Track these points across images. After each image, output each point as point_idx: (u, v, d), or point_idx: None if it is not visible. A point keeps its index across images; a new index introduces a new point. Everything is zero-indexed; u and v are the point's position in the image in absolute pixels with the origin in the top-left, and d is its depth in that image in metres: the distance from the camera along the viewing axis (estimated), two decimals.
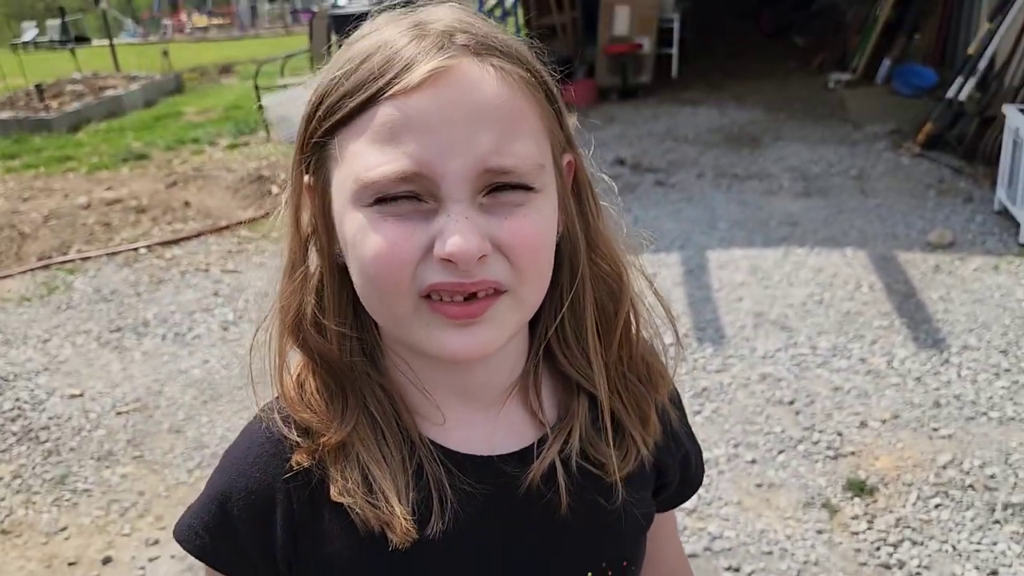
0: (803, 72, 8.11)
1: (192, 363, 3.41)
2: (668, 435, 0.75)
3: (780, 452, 2.65)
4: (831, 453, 2.64)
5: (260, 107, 7.17)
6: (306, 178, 0.63)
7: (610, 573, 0.70)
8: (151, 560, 2.37)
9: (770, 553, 2.28)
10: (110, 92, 9.46)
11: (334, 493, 0.62)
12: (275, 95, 7.24)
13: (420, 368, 0.65)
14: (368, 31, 0.62)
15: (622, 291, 0.69)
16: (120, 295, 4.10)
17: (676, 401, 0.78)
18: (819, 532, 2.34)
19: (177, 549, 2.39)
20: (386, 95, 0.56)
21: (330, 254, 0.64)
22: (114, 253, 4.61)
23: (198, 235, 4.79)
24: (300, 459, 0.64)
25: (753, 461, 2.60)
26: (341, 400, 0.64)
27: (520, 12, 8.01)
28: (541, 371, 0.69)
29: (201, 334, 3.65)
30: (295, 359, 0.67)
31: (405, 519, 0.61)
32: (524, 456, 0.67)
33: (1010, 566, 2.17)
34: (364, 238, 0.58)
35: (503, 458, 0.67)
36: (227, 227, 4.89)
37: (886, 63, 7.22)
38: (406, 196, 0.57)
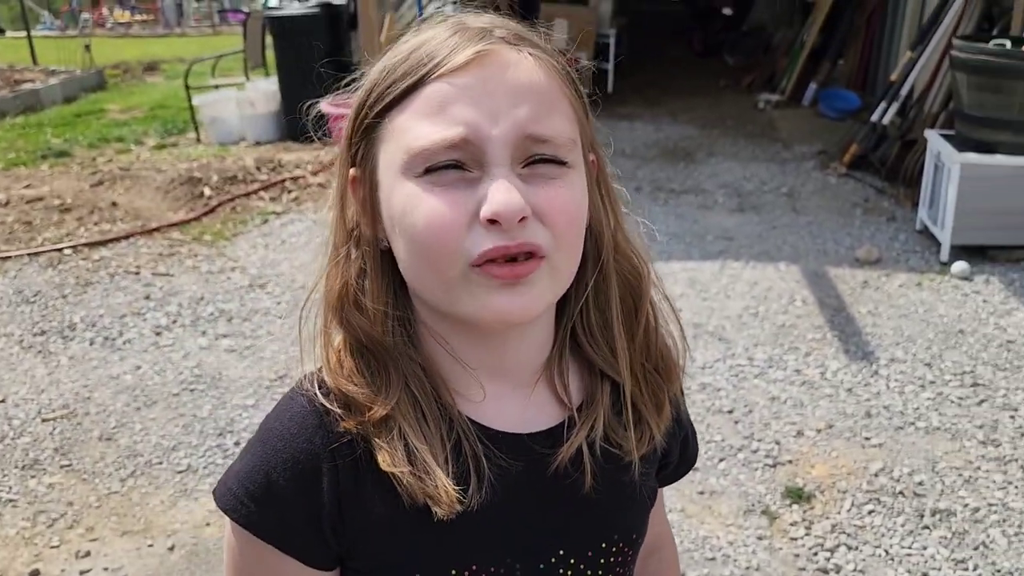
0: (734, 91, 8.34)
1: (123, 368, 3.29)
2: (674, 420, 0.80)
3: (721, 460, 2.72)
4: (769, 461, 2.71)
5: (191, 107, 6.98)
6: (352, 171, 0.69)
7: (621, 544, 0.75)
8: (82, 573, 2.27)
9: (713, 559, 2.33)
10: (27, 86, 9.05)
11: (383, 463, 0.65)
12: (207, 95, 7.06)
13: (458, 346, 0.68)
14: (414, 35, 0.67)
15: (642, 287, 0.74)
16: (44, 297, 3.92)
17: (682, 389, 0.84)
18: (759, 538, 2.40)
19: (110, 562, 2.32)
20: (434, 76, 0.62)
21: (374, 240, 0.68)
22: (36, 253, 4.41)
23: (127, 236, 4.62)
24: (348, 426, 0.66)
25: (696, 469, 2.65)
26: (383, 377, 0.67)
27: None
28: (567, 358, 0.73)
29: (132, 339, 3.52)
30: (336, 338, 0.70)
31: (450, 491, 0.64)
32: (552, 435, 0.71)
33: (939, 569, 2.27)
34: (415, 207, 0.62)
35: (533, 436, 0.71)
36: (158, 229, 4.73)
37: (812, 86, 7.50)
38: (453, 165, 0.61)
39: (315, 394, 0.68)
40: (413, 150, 0.62)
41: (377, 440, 0.66)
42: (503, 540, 0.70)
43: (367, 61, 0.69)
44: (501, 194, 0.60)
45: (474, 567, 0.69)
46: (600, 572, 0.74)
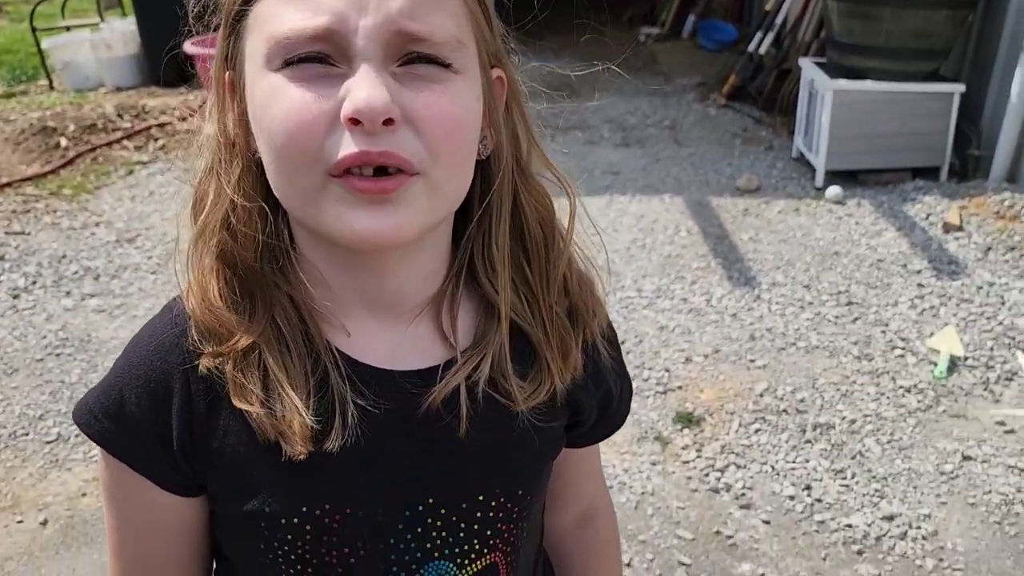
0: (614, 26, 8.33)
1: None
2: (590, 372, 0.73)
3: None
4: (660, 388, 2.76)
5: (40, 51, 6.42)
6: (228, 74, 0.62)
7: (503, 500, 0.69)
8: None
9: (610, 487, 2.35)
10: None
11: (234, 397, 0.60)
12: (57, 38, 6.51)
13: (332, 272, 0.63)
14: None
15: (552, 220, 0.68)
16: None
17: (611, 339, 0.76)
18: (653, 464, 2.45)
19: None
20: None
21: (246, 152, 0.62)
22: None
23: None
24: (205, 363, 0.62)
25: None
26: (248, 305, 0.62)
27: None
28: (460, 293, 0.67)
29: None
30: (205, 261, 0.64)
31: (304, 430, 0.59)
32: (427, 376, 0.65)
33: (820, 480, 2.38)
34: (271, 103, 0.56)
35: (405, 374, 0.65)
36: (9, 184, 4.36)
37: (691, 19, 7.57)
38: (316, 58, 0.55)
39: (179, 314, 0.65)
40: (274, 38, 0.55)
41: (232, 371, 0.61)
42: (363, 481, 0.65)
43: None
44: (364, 90, 0.53)
45: (327, 506, 0.64)
46: (477, 526, 0.69)
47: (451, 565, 0.68)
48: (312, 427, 0.60)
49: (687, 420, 2.61)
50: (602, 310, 0.73)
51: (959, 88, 4.00)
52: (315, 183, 0.56)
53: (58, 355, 2.94)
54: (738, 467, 2.43)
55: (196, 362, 0.63)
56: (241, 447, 0.63)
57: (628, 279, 3.40)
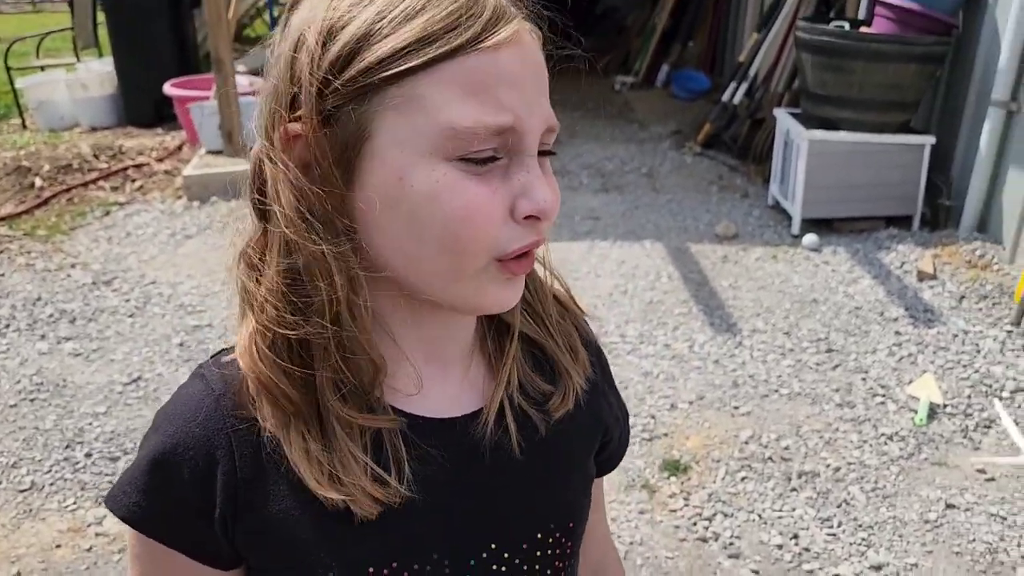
0: (590, 73, 8.47)
1: None
2: (601, 385, 0.77)
3: None
4: (647, 435, 2.76)
5: (14, 90, 6.37)
6: (296, 126, 0.57)
7: (558, 535, 0.71)
8: None
9: None
10: None
11: (292, 459, 0.59)
12: (32, 77, 6.47)
13: (399, 330, 0.63)
14: None
15: None
16: None
17: (598, 355, 0.80)
18: (641, 512, 2.44)
19: None
20: (474, 47, 0.55)
21: (328, 214, 0.58)
22: None
23: None
24: (267, 425, 0.60)
25: None
26: (301, 365, 0.60)
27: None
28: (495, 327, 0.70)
29: None
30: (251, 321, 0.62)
31: (369, 490, 0.59)
32: (482, 413, 0.67)
33: (807, 528, 2.38)
34: (451, 193, 0.56)
35: (466, 418, 0.66)
36: None
37: (665, 68, 7.73)
38: (489, 153, 0.57)
39: (216, 378, 0.63)
40: (453, 129, 0.55)
41: (289, 432, 0.60)
42: (428, 536, 0.64)
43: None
44: (548, 192, 0.58)
45: (394, 564, 0.63)
46: (537, 567, 0.70)
47: None
48: (377, 485, 0.60)
49: (674, 468, 2.60)
50: (574, 304, 0.76)
51: (930, 140, 4.12)
52: (479, 267, 0.58)
53: (32, 400, 2.87)
54: (725, 515, 2.43)
55: (241, 426, 0.61)
56: (295, 511, 0.61)
57: (611, 324, 3.41)
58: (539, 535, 0.69)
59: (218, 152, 4.95)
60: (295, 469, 0.59)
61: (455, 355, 0.68)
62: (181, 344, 3.22)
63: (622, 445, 0.83)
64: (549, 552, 0.70)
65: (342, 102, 0.56)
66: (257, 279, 0.60)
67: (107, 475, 2.52)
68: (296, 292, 0.58)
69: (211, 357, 0.67)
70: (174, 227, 4.36)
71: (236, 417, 0.61)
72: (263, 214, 0.60)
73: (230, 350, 0.65)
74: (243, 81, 5.12)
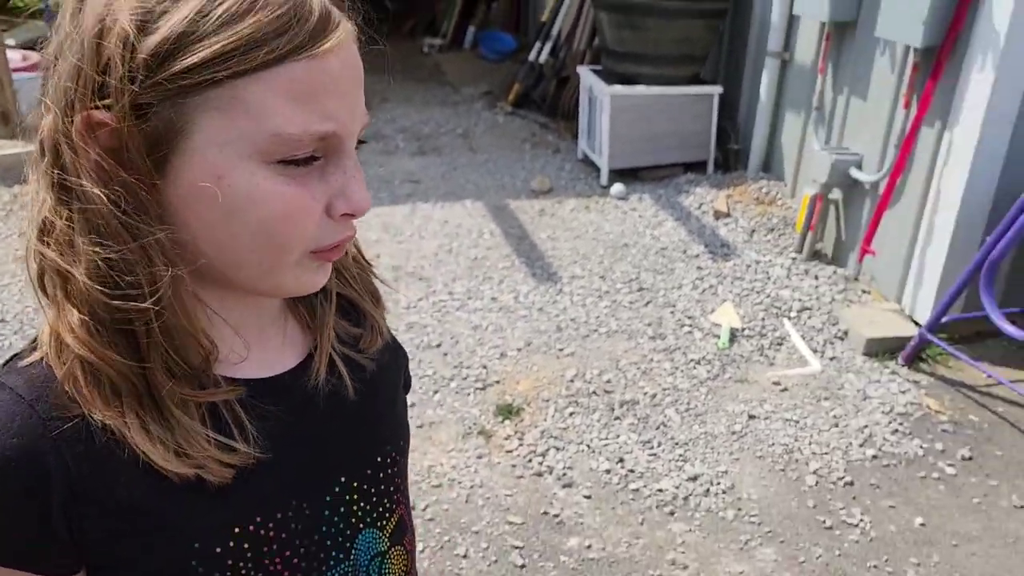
0: (397, 36, 8.42)
1: None
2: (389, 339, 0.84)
3: (435, 392, 2.82)
4: (480, 385, 2.87)
5: None
6: (101, 113, 0.55)
7: (394, 454, 0.77)
8: None
9: (439, 485, 2.44)
10: None
11: (134, 443, 0.59)
12: None
13: (228, 309, 0.65)
14: None
15: None
16: None
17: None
18: (479, 457, 2.55)
19: None
20: (303, 54, 0.56)
21: (135, 199, 0.57)
22: None
23: None
24: (100, 416, 0.58)
25: (412, 405, 2.73)
26: (129, 349, 0.59)
27: None
28: None
29: None
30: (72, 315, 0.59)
31: (216, 455, 0.61)
32: (307, 364, 0.72)
33: (631, 452, 2.59)
34: (270, 196, 0.57)
35: (291, 373, 0.70)
36: None
37: (471, 30, 7.81)
38: (308, 154, 0.58)
39: (22, 384, 0.59)
40: (278, 135, 0.56)
41: (128, 419, 0.59)
42: (282, 486, 0.68)
43: None
44: (364, 192, 0.61)
45: (258, 519, 0.66)
46: (383, 487, 0.76)
47: (375, 531, 0.74)
48: (222, 448, 0.62)
49: (507, 412, 2.73)
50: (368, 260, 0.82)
51: (717, 90, 4.46)
52: (294, 259, 0.61)
53: None
54: (557, 449, 2.59)
55: (65, 426, 0.58)
56: (146, 493, 0.60)
57: (439, 283, 3.49)
58: (379, 458, 0.76)
59: None
60: (138, 452, 0.59)
61: (270, 318, 0.70)
62: None
63: (406, 384, 0.91)
64: (389, 471, 0.77)
65: (160, 98, 0.54)
66: (70, 266, 0.57)
67: None
68: (115, 277, 0.57)
69: (3, 365, 0.63)
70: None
71: (58, 419, 0.58)
72: (64, 197, 0.57)
73: (25, 353, 0.62)
74: (15, 56, 4.70)
